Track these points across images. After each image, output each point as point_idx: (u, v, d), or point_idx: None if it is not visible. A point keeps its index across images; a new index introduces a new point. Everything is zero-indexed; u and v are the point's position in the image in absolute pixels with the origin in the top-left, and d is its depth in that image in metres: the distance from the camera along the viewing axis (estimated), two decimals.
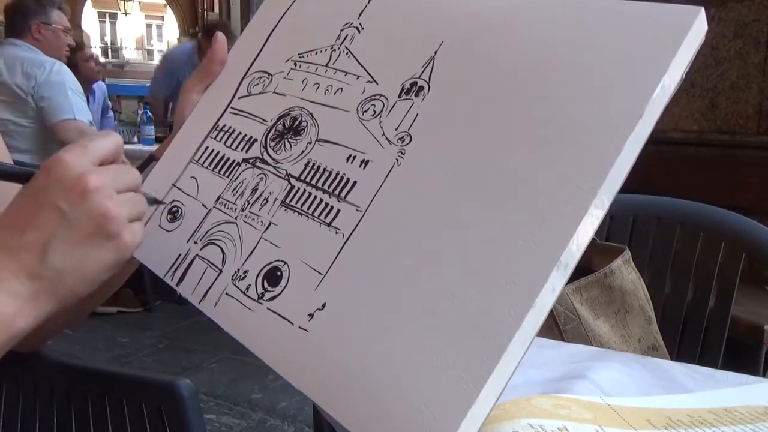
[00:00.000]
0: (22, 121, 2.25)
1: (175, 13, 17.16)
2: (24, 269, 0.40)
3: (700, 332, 0.89)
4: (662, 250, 0.94)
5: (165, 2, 17.96)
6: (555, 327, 0.69)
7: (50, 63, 2.28)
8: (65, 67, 2.34)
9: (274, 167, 0.48)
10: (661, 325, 0.78)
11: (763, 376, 0.91)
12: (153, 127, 3.36)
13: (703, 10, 0.34)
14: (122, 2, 16.76)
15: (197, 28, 15.06)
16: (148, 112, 3.52)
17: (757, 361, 1.17)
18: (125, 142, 2.54)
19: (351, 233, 0.41)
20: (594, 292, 0.72)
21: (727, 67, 1.52)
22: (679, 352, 0.88)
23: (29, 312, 0.40)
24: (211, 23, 2.94)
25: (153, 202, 0.51)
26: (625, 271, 0.74)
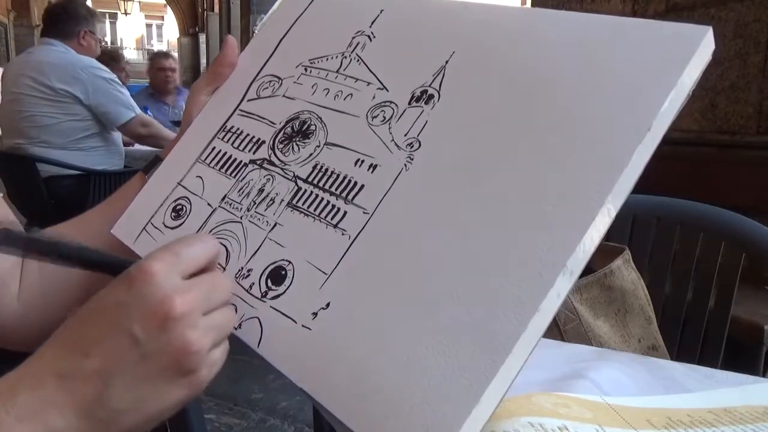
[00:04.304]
0: (59, 116, 2.32)
1: (175, 13, 17.16)
2: (75, 404, 0.33)
3: (700, 332, 0.89)
4: (662, 250, 0.94)
5: (165, 2, 17.96)
6: (555, 327, 0.69)
7: (86, 63, 2.36)
8: (98, 64, 2.43)
9: (282, 169, 0.48)
10: (661, 325, 0.78)
11: (763, 376, 0.91)
12: None
13: (710, 29, 0.35)
14: (122, 2, 16.77)
15: (197, 28, 15.07)
16: (149, 112, 3.52)
17: (757, 361, 1.17)
18: (125, 144, 2.59)
19: (357, 235, 0.41)
20: (594, 292, 0.72)
21: (727, 67, 1.51)
22: (679, 352, 0.88)
23: None
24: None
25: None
26: (625, 271, 0.74)
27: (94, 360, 0.33)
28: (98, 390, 0.33)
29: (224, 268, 0.46)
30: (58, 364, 0.34)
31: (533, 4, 2.18)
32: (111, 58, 3.47)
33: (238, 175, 0.50)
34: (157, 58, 3.83)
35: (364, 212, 0.41)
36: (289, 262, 0.43)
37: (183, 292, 0.35)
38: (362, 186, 0.43)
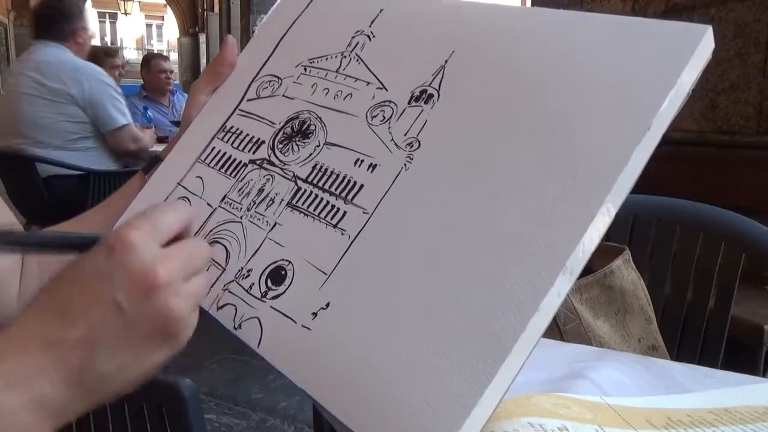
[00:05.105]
0: (54, 116, 2.31)
1: (175, 13, 17.16)
2: (62, 371, 0.33)
3: (700, 332, 0.89)
4: (662, 250, 0.94)
5: (165, 2, 17.96)
6: (555, 327, 0.69)
7: (86, 66, 2.35)
8: (98, 68, 2.42)
9: (281, 169, 0.48)
10: (661, 325, 0.78)
11: (763, 376, 0.91)
12: (153, 127, 3.36)
13: (710, 28, 0.34)
14: (122, 2, 16.78)
15: (197, 28, 15.09)
16: (149, 112, 3.52)
17: (757, 361, 1.18)
18: None
19: (357, 235, 0.41)
20: (594, 292, 0.72)
21: (727, 67, 1.52)
22: (679, 352, 0.88)
23: (52, 425, 0.33)
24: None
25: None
26: (625, 271, 0.74)
27: (80, 329, 0.34)
28: (84, 357, 0.34)
29: (224, 269, 0.46)
30: (45, 332, 0.34)
31: (533, 4, 2.18)
32: (106, 53, 3.45)
33: (238, 175, 0.50)
34: (156, 60, 3.80)
35: (363, 212, 0.41)
36: (289, 262, 0.43)
37: (164, 261, 0.36)
38: (362, 186, 0.43)
